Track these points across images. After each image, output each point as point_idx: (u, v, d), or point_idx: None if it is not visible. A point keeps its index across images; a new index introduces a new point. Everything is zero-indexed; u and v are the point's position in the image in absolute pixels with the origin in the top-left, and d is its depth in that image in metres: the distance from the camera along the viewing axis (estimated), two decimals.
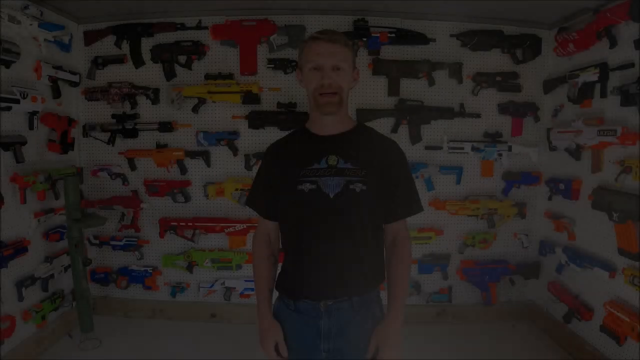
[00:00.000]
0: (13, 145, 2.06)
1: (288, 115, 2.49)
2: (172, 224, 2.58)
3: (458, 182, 2.60)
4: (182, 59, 2.52)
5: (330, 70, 1.08)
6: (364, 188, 1.09)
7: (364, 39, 2.44)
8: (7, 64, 2.01)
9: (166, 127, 2.54)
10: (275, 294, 1.24)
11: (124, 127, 2.54)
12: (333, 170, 1.11)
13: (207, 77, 2.50)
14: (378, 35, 2.44)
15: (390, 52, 2.51)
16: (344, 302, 1.13)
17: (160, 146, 2.58)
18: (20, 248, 2.11)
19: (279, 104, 2.50)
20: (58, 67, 2.33)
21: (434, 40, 2.51)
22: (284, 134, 1.29)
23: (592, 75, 2.10)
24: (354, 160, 1.12)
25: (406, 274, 1.20)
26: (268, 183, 1.21)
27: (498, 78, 2.52)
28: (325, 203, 1.09)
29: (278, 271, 1.26)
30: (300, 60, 1.16)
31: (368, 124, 1.39)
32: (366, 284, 1.16)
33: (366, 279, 1.15)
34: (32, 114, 2.16)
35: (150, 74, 2.57)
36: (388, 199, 1.16)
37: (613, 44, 2.00)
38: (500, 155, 2.55)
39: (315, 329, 1.13)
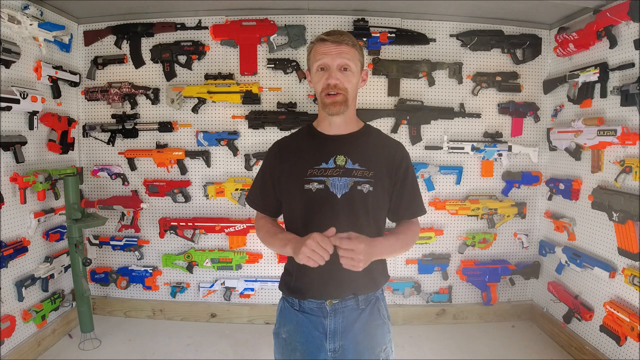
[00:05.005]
0: (13, 145, 2.06)
1: (288, 115, 2.49)
2: (172, 224, 2.58)
3: (458, 182, 2.60)
4: (182, 59, 2.53)
5: (337, 71, 1.09)
6: (371, 189, 1.10)
7: (364, 39, 2.44)
8: (7, 64, 2.01)
9: (166, 127, 2.54)
10: (279, 294, 1.24)
11: (124, 127, 2.54)
12: (341, 170, 1.11)
13: (207, 77, 2.50)
14: (378, 35, 2.44)
15: (390, 52, 2.52)
16: (350, 301, 1.13)
17: (160, 146, 2.58)
18: (20, 248, 2.11)
19: (279, 104, 2.50)
20: (58, 67, 2.34)
21: (434, 40, 2.51)
22: (284, 134, 1.29)
23: (592, 75, 2.10)
24: (361, 161, 1.12)
25: (409, 235, 1.18)
26: (270, 182, 1.21)
27: (498, 78, 2.52)
28: (333, 203, 1.10)
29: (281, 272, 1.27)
30: (308, 62, 1.17)
31: (368, 123, 1.38)
32: (371, 283, 1.16)
33: (373, 279, 1.15)
34: (32, 114, 2.17)
35: (150, 74, 2.57)
36: (394, 201, 1.18)
37: (613, 44, 2.00)
38: (500, 155, 2.55)
39: (321, 329, 1.13)
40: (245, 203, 2.56)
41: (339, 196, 1.09)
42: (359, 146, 1.14)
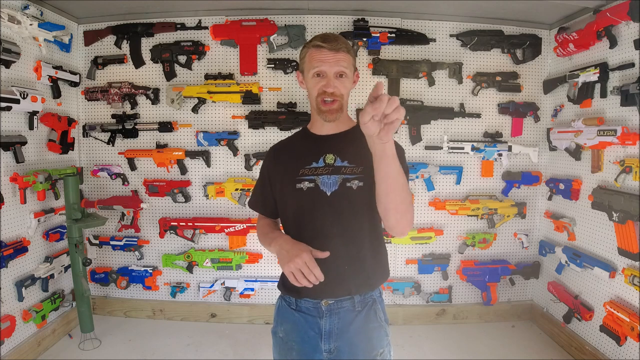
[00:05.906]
0: (13, 145, 2.06)
1: (288, 115, 2.49)
2: (172, 224, 2.58)
3: (458, 182, 2.60)
4: (182, 59, 2.53)
5: (334, 78, 1.10)
6: (360, 184, 1.10)
7: (364, 39, 2.44)
8: (7, 64, 2.01)
9: (166, 127, 2.54)
10: (278, 293, 1.25)
11: (124, 127, 2.55)
12: (330, 168, 1.12)
13: (207, 77, 2.50)
14: (378, 35, 2.44)
15: (390, 52, 2.52)
16: (345, 302, 1.13)
17: (160, 146, 2.58)
18: (20, 248, 2.11)
19: (279, 104, 2.50)
20: (58, 67, 2.34)
21: (434, 40, 2.51)
22: (284, 133, 1.30)
23: (592, 75, 2.10)
24: (350, 158, 1.13)
25: (408, 192, 1.05)
26: (269, 184, 1.23)
27: (498, 78, 2.52)
28: (323, 201, 1.10)
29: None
30: (301, 64, 1.17)
31: None
32: (367, 282, 1.15)
33: (367, 277, 1.15)
34: (32, 114, 2.17)
35: (150, 74, 2.57)
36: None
37: (613, 44, 2.00)
38: (500, 155, 2.55)
39: (316, 329, 1.13)
40: (246, 203, 2.57)
41: (328, 194, 1.10)
42: (348, 144, 1.15)
